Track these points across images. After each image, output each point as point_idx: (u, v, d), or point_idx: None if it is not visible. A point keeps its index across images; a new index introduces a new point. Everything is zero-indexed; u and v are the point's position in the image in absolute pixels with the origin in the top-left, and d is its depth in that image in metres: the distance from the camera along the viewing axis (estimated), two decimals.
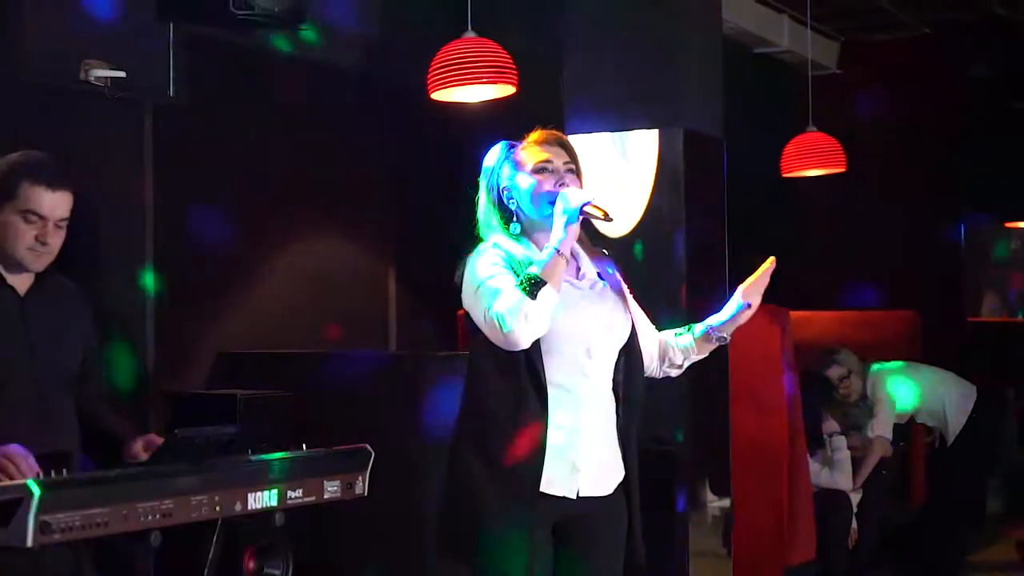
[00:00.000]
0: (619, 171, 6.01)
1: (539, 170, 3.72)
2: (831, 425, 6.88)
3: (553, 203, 3.63)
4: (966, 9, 9.69)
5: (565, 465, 3.63)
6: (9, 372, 3.53)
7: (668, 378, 4.03)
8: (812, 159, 8.10)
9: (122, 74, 5.34)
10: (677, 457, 5.70)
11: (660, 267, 5.81)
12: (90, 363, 3.82)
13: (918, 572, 7.38)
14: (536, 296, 3.48)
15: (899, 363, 7.31)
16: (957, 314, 10.09)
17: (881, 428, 7.03)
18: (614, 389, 3.74)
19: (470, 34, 5.81)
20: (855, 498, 6.89)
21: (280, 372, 5.75)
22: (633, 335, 3.79)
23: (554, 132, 3.82)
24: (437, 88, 5.83)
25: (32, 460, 3.23)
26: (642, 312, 3.93)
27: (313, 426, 5.49)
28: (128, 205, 5.52)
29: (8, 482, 3.02)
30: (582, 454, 3.65)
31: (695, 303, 5.63)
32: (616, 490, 3.76)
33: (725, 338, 3.91)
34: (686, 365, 3.99)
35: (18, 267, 3.60)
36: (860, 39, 10.42)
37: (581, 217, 3.60)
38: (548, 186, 3.69)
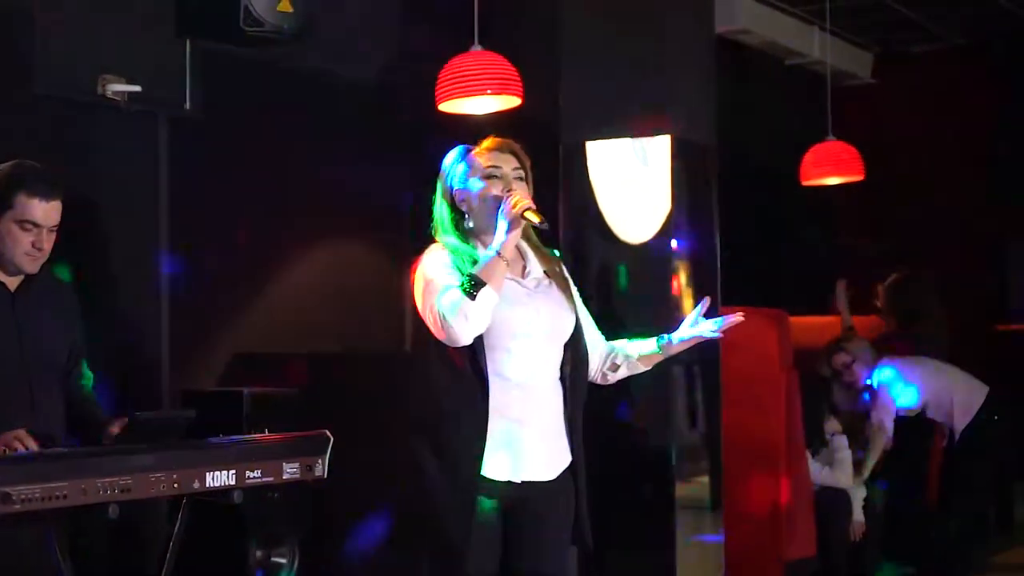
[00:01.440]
0: (639, 178, 6.22)
1: (488, 176, 3.96)
2: (832, 425, 7.02)
3: (499, 208, 3.88)
4: (1002, 20, 9.80)
5: (510, 452, 3.87)
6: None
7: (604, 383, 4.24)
8: (830, 167, 8.25)
9: (138, 88, 5.58)
10: (667, 454, 5.91)
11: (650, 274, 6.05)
12: (76, 354, 4.11)
13: (932, 571, 7.48)
14: (475, 296, 3.72)
15: (903, 358, 7.39)
16: (985, 322, 10.13)
17: (880, 419, 7.13)
18: (561, 380, 3.98)
19: (477, 47, 6.05)
20: (860, 494, 7.02)
21: (294, 372, 6.01)
22: (578, 331, 4.02)
23: (506, 140, 4.04)
24: (445, 99, 6.06)
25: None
26: (587, 314, 4.15)
27: (323, 423, 5.81)
28: (145, 213, 5.74)
29: None
30: (526, 442, 3.89)
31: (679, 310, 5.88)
32: (562, 474, 3.99)
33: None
34: (619, 375, 4.21)
35: (16, 270, 3.90)
36: (896, 50, 10.53)
37: (522, 222, 3.84)
38: (495, 191, 3.93)
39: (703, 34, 6.61)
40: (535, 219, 3.79)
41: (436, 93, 6.07)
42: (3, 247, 3.88)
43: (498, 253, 3.78)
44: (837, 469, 6.97)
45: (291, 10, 5.72)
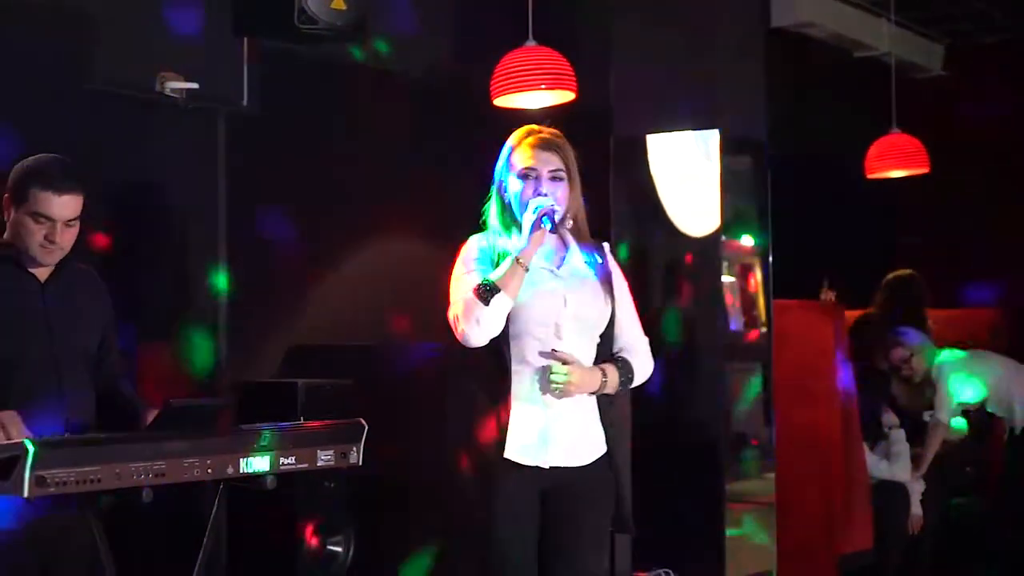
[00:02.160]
0: (694, 171, 6.26)
1: (524, 175, 4.02)
2: (890, 418, 7.00)
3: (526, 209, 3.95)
4: None
5: (536, 438, 3.94)
6: (29, 350, 3.91)
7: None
8: (895, 160, 8.22)
9: (196, 85, 5.68)
10: (717, 447, 5.94)
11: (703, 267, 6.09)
12: (108, 343, 4.20)
13: (992, 567, 7.44)
14: (489, 303, 3.79)
15: (964, 352, 7.34)
16: None
17: (940, 413, 7.08)
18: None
19: (531, 43, 6.10)
20: (918, 488, 6.99)
21: (348, 363, 6.08)
22: (612, 323, 4.05)
23: (548, 136, 4.06)
24: (499, 94, 6.14)
25: (20, 422, 3.61)
26: (630, 312, 4.16)
27: (378, 415, 5.88)
28: (203, 209, 5.83)
29: (7, 441, 3.40)
30: (552, 428, 3.94)
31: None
32: (597, 461, 4.03)
33: None
34: None
35: (31, 261, 3.98)
36: (966, 42, 10.44)
37: (546, 227, 3.89)
38: (528, 193, 3.99)
39: (755, 27, 6.61)
40: (547, 226, 3.86)
41: (491, 88, 6.14)
42: (19, 239, 3.94)
43: (517, 259, 3.84)
44: (895, 463, 6.95)
45: (344, 7, 5.78)
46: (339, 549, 5.59)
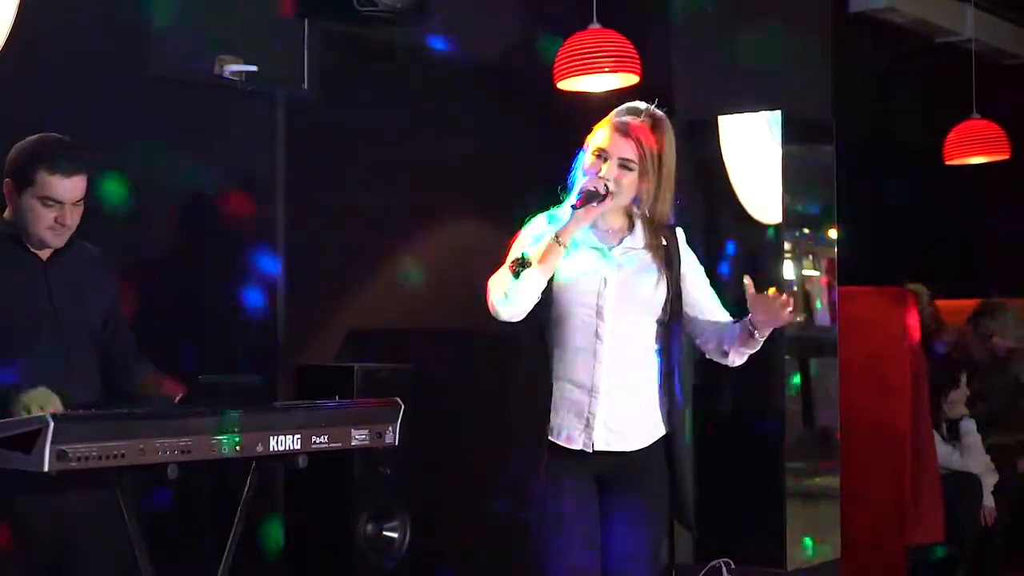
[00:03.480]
0: (769, 154, 6.18)
1: (597, 155, 3.96)
2: (959, 408, 6.85)
3: None
4: None
5: (579, 421, 3.88)
6: (35, 329, 3.90)
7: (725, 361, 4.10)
8: (975, 146, 8.06)
9: (254, 68, 5.67)
10: (779, 435, 5.85)
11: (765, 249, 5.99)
12: (114, 321, 4.18)
13: None
14: (518, 276, 3.73)
15: None
16: None
17: None
18: (658, 352, 3.96)
19: (595, 25, 6.04)
20: (991, 479, 6.85)
21: (407, 348, 6.06)
22: (675, 306, 3.97)
23: (636, 125, 3.95)
24: (563, 77, 6.08)
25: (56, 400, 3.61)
26: (708, 292, 4.08)
27: (436, 400, 5.86)
28: (262, 193, 5.82)
29: (28, 415, 3.39)
30: (597, 412, 3.88)
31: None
32: (652, 446, 3.95)
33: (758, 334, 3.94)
34: (733, 355, 4.03)
35: (40, 244, 3.97)
36: None
37: (593, 208, 3.83)
38: (588, 173, 3.93)
39: (824, 8, 6.49)
40: (593, 202, 3.80)
41: (554, 71, 6.09)
42: (27, 222, 3.92)
43: (556, 237, 3.78)
44: (967, 454, 6.80)
45: None
46: (395, 535, 5.58)
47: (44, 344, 3.90)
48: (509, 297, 3.76)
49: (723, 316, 4.08)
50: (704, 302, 4.07)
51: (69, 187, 3.91)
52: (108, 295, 4.18)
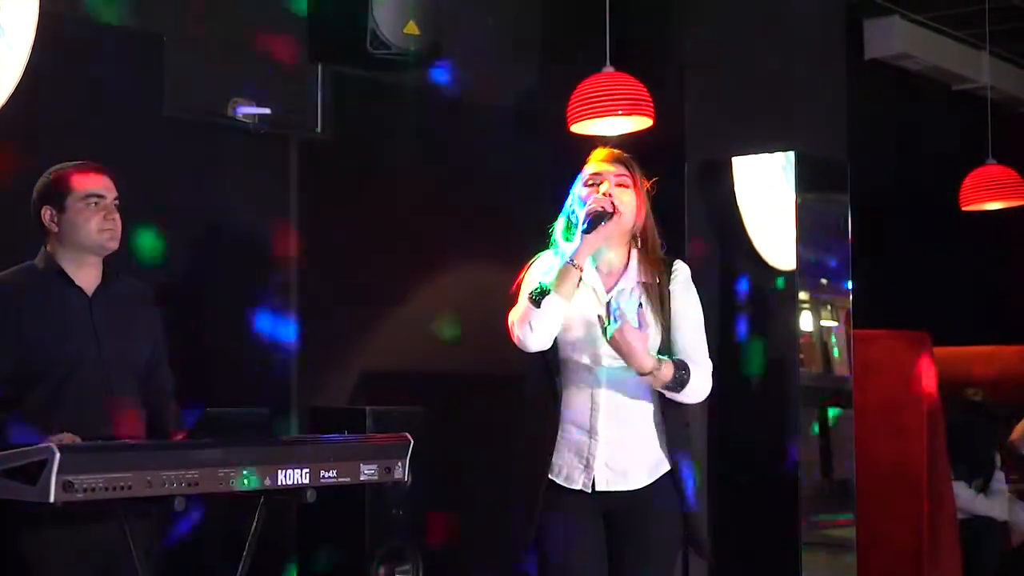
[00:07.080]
0: (782, 197, 6.17)
1: (591, 183, 3.95)
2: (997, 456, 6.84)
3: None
4: None
5: (579, 461, 3.87)
6: (78, 363, 3.88)
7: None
8: (991, 192, 8.01)
9: (267, 110, 5.68)
10: (793, 481, 5.80)
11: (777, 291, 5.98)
12: (156, 357, 4.16)
13: None
14: (540, 305, 3.72)
15: None
16: None
17: None
18: (660, 392, 3.90)
19: (608, 68, 6.03)
20: (1018, 507, 6.83)
21: (419, 390, 6.03)
22: (662, 346, 3.92)
23: (616, 152, 4.02)
24: (576, 120, 6.06)
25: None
26: (693, 331, 3.97)
27: (448, 442, 5.83)
28: (275, 234, 5.82)
29: (33, 447, 3.37)
30: (597, 453, 3.87)
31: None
32: (655, 483, 3.91)
33: None
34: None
35: (98, 250, 3.95)
36: None
37: (602, 227, 3.81)
38: (588, 198, 3.92)
39: (833, 52, 6.50)
40: (603, 221, 3.79)
41: (567, 114, 6.07)
42: (77, 233, 3.92)
43: (571, 261, 3.77)
44: (992, 498, 6.75)
45: (418, 32, 5.78)
46: None
47: (89, 380, 3.89)
48: (535, 327, 3.75)
49: (692, 349, 3.94)
50: (680, 344, 3.95)
51: (103, 182, 3.96)
52: (152, 330, 4.17)
